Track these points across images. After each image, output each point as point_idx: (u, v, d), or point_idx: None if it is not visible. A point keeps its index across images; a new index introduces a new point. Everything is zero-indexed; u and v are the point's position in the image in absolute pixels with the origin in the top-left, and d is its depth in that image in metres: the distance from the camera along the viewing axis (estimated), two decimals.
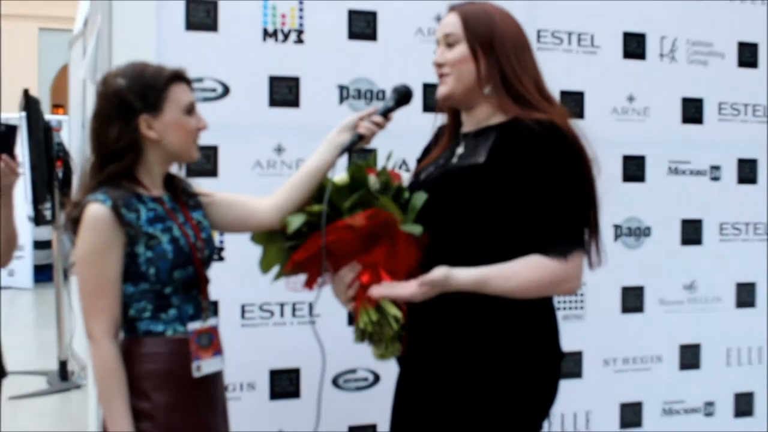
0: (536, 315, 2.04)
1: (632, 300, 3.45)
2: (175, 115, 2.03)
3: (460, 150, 2.12)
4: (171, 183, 2.15)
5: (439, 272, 1.93)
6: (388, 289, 1.96)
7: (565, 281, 1.98)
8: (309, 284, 2.13)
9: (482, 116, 2.11)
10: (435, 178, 2.11)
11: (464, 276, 1.94)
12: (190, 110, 2.06)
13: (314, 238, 2.01)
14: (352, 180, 2.05)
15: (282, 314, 2.97)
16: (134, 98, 2.00)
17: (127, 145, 2.01)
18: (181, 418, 2.02)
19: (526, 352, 2.03)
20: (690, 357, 3.54)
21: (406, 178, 2.20)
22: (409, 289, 1.93)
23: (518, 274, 1.96)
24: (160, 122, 2.02)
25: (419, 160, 2.31)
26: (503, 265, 1.96)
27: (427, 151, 2.30)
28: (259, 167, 2.95)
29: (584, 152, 2.02)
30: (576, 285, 2.01)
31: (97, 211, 1.96)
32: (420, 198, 2.04)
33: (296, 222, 2.05)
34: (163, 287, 2.02)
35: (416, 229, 1.99)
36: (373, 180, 2.04)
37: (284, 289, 2.22)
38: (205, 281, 2.12)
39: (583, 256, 2.00)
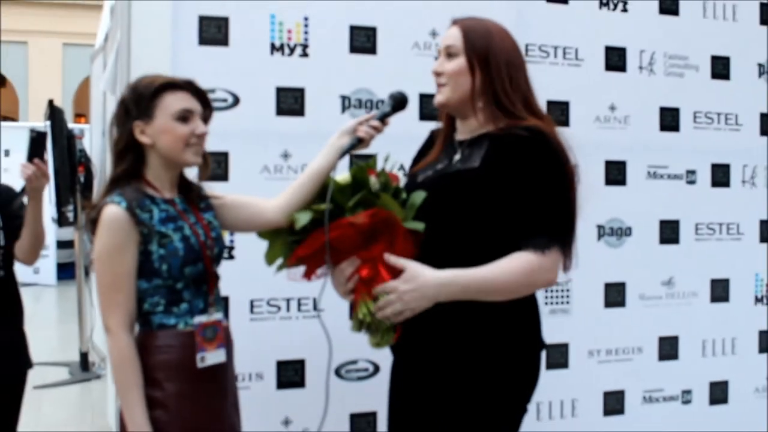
0: (519, 307, 2.04)
1: (614, 295, 3.45)
2: (165, 121, 2.04)
3: (457, 156, 2.12)
4: (186, 187, 2.16)
5: (413, 269, 1.95)
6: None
7: (539, 272, 1.96)
8: (308, 275, 2.13)
9: (475, 125, 2.11)
10: (432, 180, 2.12)
11: (438, 278, 1.94)
12: (182, 117, 2.06)
13: (318, 233, 2.01)
14: (354, 180, 2.05)
15: (288, 309, 2.97)
16: (131, 106, 2.04)
17: (126, 148, 2.05)
18: (191, 406, 2.03)
19: (510, 341, 2.04)
20: (668, 348, 3.53)
21: (402, 180, 2.20)
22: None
23: (497, 266, 1.95)
24: (152, 128, 2.04)
25: (413, 163, 2.31)
26: (484, 267, 1.96)
27: (421, 155, 2.30)
28: (267, 172, 2.95)
29: (567, 158, 2.03)
30: (552, 278, 2.00)
31: (113, 212, 1.97)
32: (419, 196, 2.05)
33: (304, 219, 2.06)
34: (175, 283, 2.03)
35: (419, 226, 2.00)
36: (373, 180, 2.04)
37: (290, 286, 2.22)
38: (214, 277, 2.13)
39: (560, 252, 1.99)
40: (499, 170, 1.99)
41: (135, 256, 1.99)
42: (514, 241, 1.97)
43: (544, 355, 3.26)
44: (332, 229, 1.98)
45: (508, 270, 1.95)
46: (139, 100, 2.03)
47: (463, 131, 2.16)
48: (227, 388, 2.15)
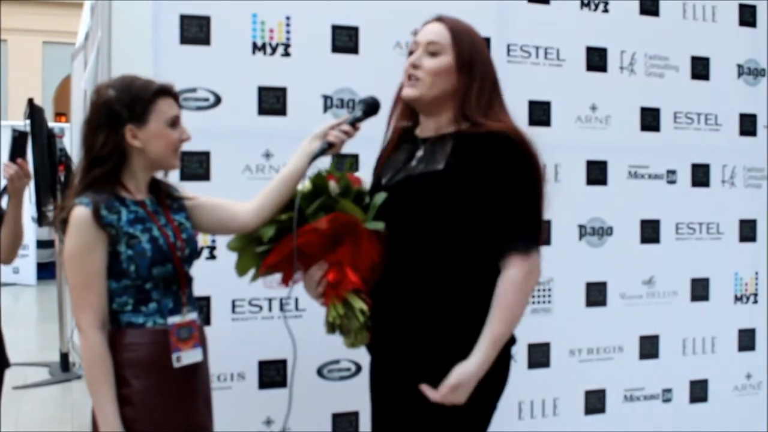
0: (490, 302, 2.04)
1: (596, 294, 3.46)
2: (159, 126, 2.04)
3: (419, 154, 2.13)
4: (156, 187, 2.16)
5: (454, 377, 1.95)
6: (428, 390, 1.97)
7: (532, 274, 2.02)
8: (285, 282, 2.16)
9: (442, 124, 2.11)
10: (397, 183, 2.12)
11: (477, 358, 1.96)
12: (173, 123, 2.07)
13: (285, 242, 2.05)
14: (314, 187, 2.10)
15: (270, 309, 2.96)
16: (122, 109, 2.01)
17: (112, 152, 2.03)
18: (159, 404, 2.03)
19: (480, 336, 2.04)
20: (649, 347, 3.55)
21: (367, 181, 2.21)
22: (436, 397, 1.96)
23: (508, 300, 1.99)
24: (145, 132, 2.03)
25: (378, 162, 2.31)
26: (492, 312, 1.99)
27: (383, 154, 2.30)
28: (248, 171, 2.94)
29: (535, 158, 2.05)
30: (538, 278, 2.06)
31: (80, 213, 1.98)
32: (380, 197, 2.08)
33: (269, 232, 2.10)
34: (144, 283, 2.03)
35: (379, 226, 2.04)
36: (333, 185, 2.08)
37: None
38: (186, 278, 2.13)
39: (537, 252, 2.04)
40: (465, 173, 2.01)
41: (103, 256, 2.00)
42: (482, 243, 2.00)
43: (526, 354, 3.28)
44: (298, 236, 2.02)
45: (511, 297, 1.99)
46: (133, 104, 2.01)
47: (427, 129, 2.16)
48: (198, 386, 2.14)
